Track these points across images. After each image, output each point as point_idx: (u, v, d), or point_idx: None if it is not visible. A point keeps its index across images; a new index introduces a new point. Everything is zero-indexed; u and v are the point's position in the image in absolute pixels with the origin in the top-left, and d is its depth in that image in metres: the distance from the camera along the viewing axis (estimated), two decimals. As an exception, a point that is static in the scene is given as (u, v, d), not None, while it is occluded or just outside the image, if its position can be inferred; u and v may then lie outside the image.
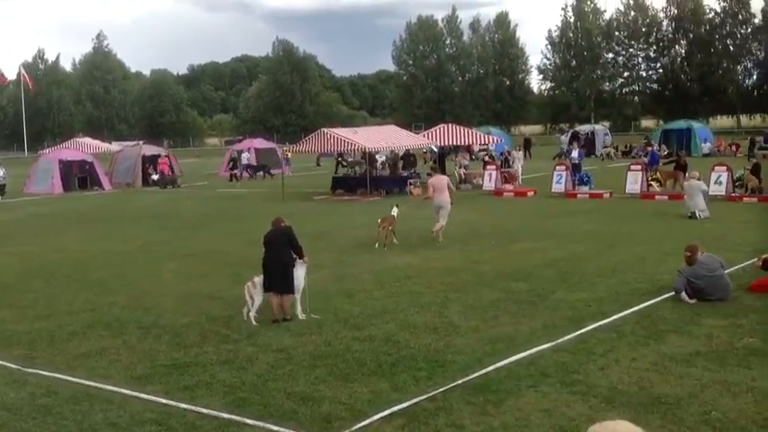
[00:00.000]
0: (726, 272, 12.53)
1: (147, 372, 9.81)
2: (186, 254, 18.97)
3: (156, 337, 11.42)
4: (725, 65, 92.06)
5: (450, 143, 36.29)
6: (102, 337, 11.56)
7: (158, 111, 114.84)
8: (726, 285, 12.24)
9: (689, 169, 26.84)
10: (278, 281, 11.85)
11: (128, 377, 9.64)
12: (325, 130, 34.36)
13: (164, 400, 8.71)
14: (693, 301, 12.00)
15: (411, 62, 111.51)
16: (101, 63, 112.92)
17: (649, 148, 36.55)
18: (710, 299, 12.04)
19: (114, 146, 59.39)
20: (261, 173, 46.15)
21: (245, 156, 47.62)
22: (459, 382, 8.88)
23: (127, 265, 17.70)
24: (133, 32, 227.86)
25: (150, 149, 47.80)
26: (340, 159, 47.17)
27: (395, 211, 19.56)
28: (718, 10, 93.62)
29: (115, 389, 9.16)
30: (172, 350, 10.70)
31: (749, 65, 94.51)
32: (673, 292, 12.34)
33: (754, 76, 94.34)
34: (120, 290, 14.84)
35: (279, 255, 11.96)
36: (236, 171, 45.27)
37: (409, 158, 37.96)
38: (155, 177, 43.06)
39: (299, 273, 12.14)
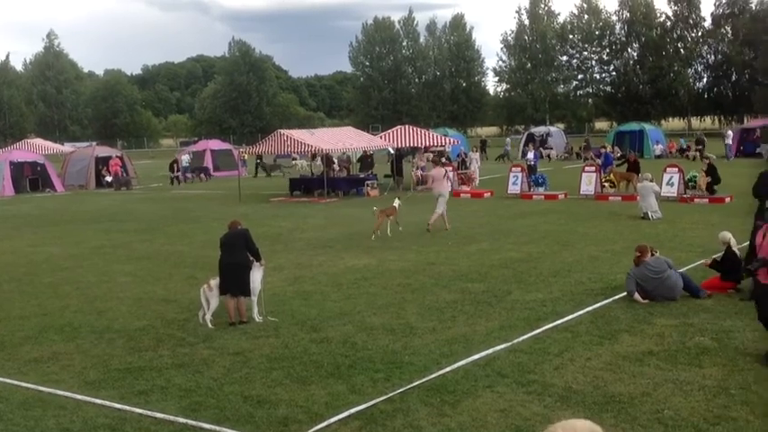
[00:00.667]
0: (677, 271, 12.73)
1: (100, 376, 9.68)
2: (141, 256, 18.76)
3: (110, 341, 11.27)
4: (676, 68, 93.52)
5: (408, 145, 36.36)
6: (54, 341, 11.38)
7: (112, 111, 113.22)
8: (673, 286, 12.41)
9: (641, 170, 27.25)
10: (234, 283, 11.78)
11: (81, 382, 9.49)
12: (282, 131, 34.21)
13: (118, 405, 8.60)
14: (646, 301, 12.21)
15: (368, 63, 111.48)
16: (52, 63, 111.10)
17: (602, 150, 36.99)
18: (658, 299, 12.26)
19: (67, 147, 58.53)
20: (201, 175, 45.93)
21: (185, 158, 47.14)
22: (417, 383, 8.91)
23: (80, 268, 17.43)
24: (86, 32, 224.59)
25: (104, 151, 47.25)
26: (259, 161, 46.77)
27: (397, 203, 21.11)
28: (670, 13, 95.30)
29: (68, 394, 9.03)
30: (126, 354, 10.57)
31: (699, 68, 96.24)
32: (626, 293, 12.58)
33: (705, 80, 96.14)
34: (72, 294, 14.62)
35: (235, 257, 11.89)
36: (178, 174, 44.65)
37: (367, 160, 37.96)
38: (108, 179, 42.50)
39: (256, 276, 12.07)
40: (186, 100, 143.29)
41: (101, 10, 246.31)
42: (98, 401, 8.75)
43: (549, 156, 52.73)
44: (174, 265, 17.23)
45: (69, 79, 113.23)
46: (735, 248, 13.15)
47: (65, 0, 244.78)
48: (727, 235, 13.31)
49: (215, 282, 11.89)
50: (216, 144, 53.53)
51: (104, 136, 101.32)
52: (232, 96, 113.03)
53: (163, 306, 13.28)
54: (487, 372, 9.25)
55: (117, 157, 44.54)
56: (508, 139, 61.02)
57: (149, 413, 8.34)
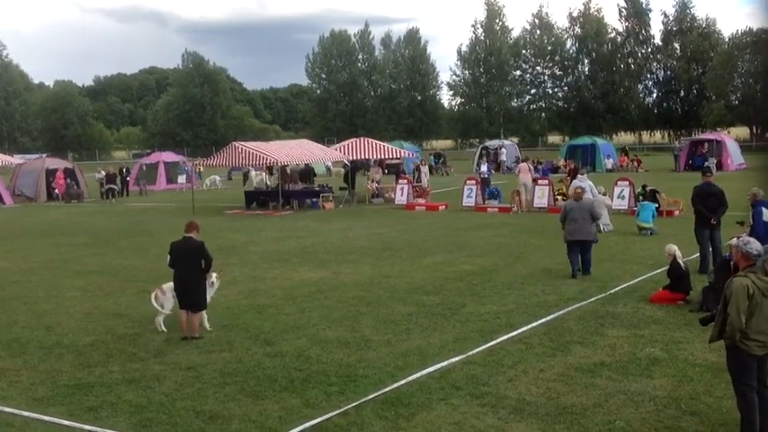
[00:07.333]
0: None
1: (49, 393, 9.48)
2: (92, 270, 18.45)
3: (59, 356, 11.05)
4: (626, 83, 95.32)
5: (363, 157, 36.34)
6: (0, 357, 11.12)
7: (62, 123, 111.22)
8: (589, 230, 15.51)
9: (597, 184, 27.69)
10: (188, 298, 11.65)
11: (29, 399, 9.29)
12: (237, 143, 34.00)
13: (67, 422, 8.44)
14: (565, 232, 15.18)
15: (324, 76, 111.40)
16: (1, 74, 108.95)
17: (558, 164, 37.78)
18: (575, 237, 15.33)
19: (16, 159, 57.35)
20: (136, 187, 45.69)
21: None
22: (371, 396, 8.89)
23: (28, 282, 17.09)
24: (37, 43, 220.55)
25: (54, 163, 46.42)
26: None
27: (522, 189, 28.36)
28: (621, 29, 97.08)
29: (15, 411, 8.83)
30: (75, 370, 10.37)
31: (649, 83, 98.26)
32: (576, 301, 12.95)
33: (654, 95, 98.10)
34: (20, 308, 14.32)
35: (189, 272, 11.69)
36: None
37: (307, 173, 37.11)
38: (57, 191, 41.75)
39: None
40: (139, 112, 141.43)
41: (54, 20, 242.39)
42: (46, 418, 8.58)
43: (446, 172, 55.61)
44: (126, 280, 16.98)
45: (19, 90, 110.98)
46: (680, 260, 13.40)
47: (16, 10, 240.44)
48: (673, 247, 13.56)
49: (168, 285, 11.92)
50: (169, 156, 53.02)
51: (55, 148, 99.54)
52: (185, 109, 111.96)
53: (113, 321, 13.08)
54: (442, 384, 9.27)
55: (65, 169, 43.43)
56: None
57: (99, 430, 8.19)
